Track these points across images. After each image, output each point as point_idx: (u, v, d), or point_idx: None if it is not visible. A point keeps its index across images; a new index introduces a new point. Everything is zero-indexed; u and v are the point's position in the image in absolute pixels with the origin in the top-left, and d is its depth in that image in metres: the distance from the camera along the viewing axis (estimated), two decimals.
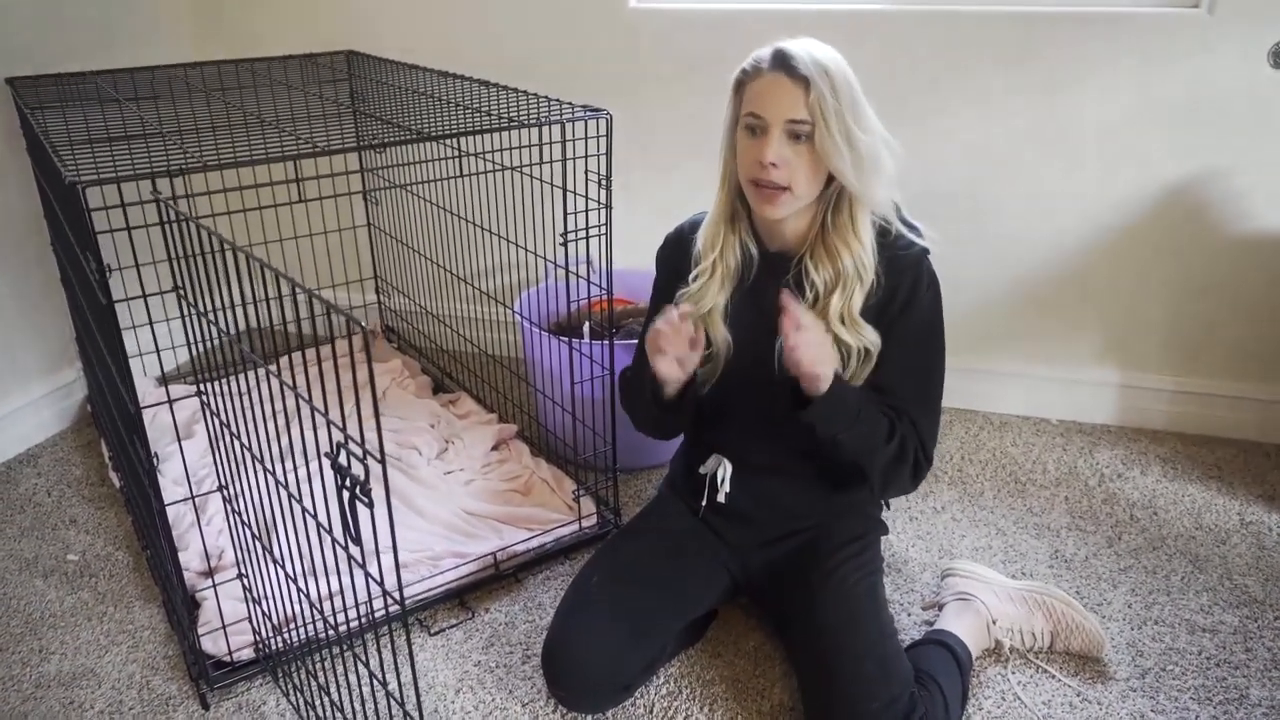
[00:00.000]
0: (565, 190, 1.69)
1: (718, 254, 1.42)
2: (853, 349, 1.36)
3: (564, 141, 1.66)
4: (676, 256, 1.52)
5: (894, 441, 1.37)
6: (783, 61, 1.27)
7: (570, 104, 1.72)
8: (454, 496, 1.97)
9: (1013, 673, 1.54)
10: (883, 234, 1.37)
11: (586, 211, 1.68)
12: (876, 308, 1.37)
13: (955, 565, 1.66)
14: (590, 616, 1.42)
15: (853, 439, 1.35)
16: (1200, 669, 1.55)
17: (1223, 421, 2.25)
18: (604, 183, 1.66)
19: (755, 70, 1.30)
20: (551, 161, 1.73)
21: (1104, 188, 2.14)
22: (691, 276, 1.45)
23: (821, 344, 1.29)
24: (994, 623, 1.56)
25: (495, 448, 2.17)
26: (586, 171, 1.66)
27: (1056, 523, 1.94)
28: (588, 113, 1.66)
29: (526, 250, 2.02)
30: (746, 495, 1.52)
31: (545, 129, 1.67)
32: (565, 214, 1.69)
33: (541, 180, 1.83)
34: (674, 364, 1.36)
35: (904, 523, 1.94)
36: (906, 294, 1.36)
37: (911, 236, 1.38)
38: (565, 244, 1.70)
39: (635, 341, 1.63)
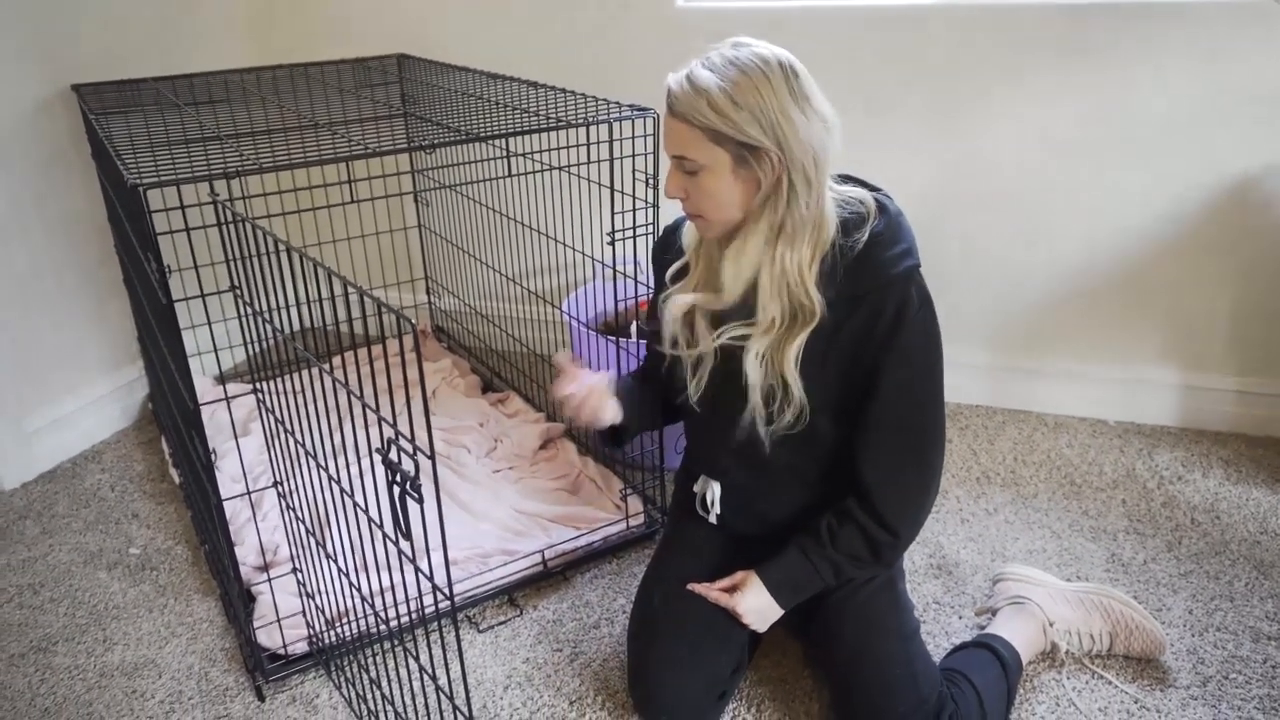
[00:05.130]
0: (612, 190, 1.69)
1: (699, 250, 1.35)
2: (756, 386, 1.28)
3: (610, 141, 1.67)
4: (662, 249, 1.46)
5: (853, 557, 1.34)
6: (667, 96, 1.20)
7: (617, 103, 1.72)
8: (502, 495, 1.98)
9: (1068, 678, 1.51)
10: (870, 247, 1.22)
11: (634, 211, 1.68)
12: (858, 334, 1.24)
13: (1007, 570, 1.63)
14: (670, 639, 1.40)
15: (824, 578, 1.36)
16: (1265, 678, 1.50)
17: None
18: (650, 182, 1.66)
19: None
20: (599, 161, 1.73)
21: (1166, 182, 2.09)
22: (669, 275, 1.39)
23: (757, 611, 1.37)
24: (1050, 625, 1.53)
25: (543, 446, 2.18)
26: (634, 171, 1.67)
27: (1114, 526, 1.89)
28: (634, 112, 1.66)
29: (574, 250, 2.03)
30: (738, 511, 1.48)
31: (592, 129, 1.68)
32: (612, 213, 1.69)
33: (589, 180, 1.84)
34: (592, 413, 1.42)
35: (955, 525, 1.91)
36: (894, 317, 1.22)
37: (894, 250, 1.23)
38: (612, 243, 1.70)
39: None
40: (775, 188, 1.19)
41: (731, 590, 1.39)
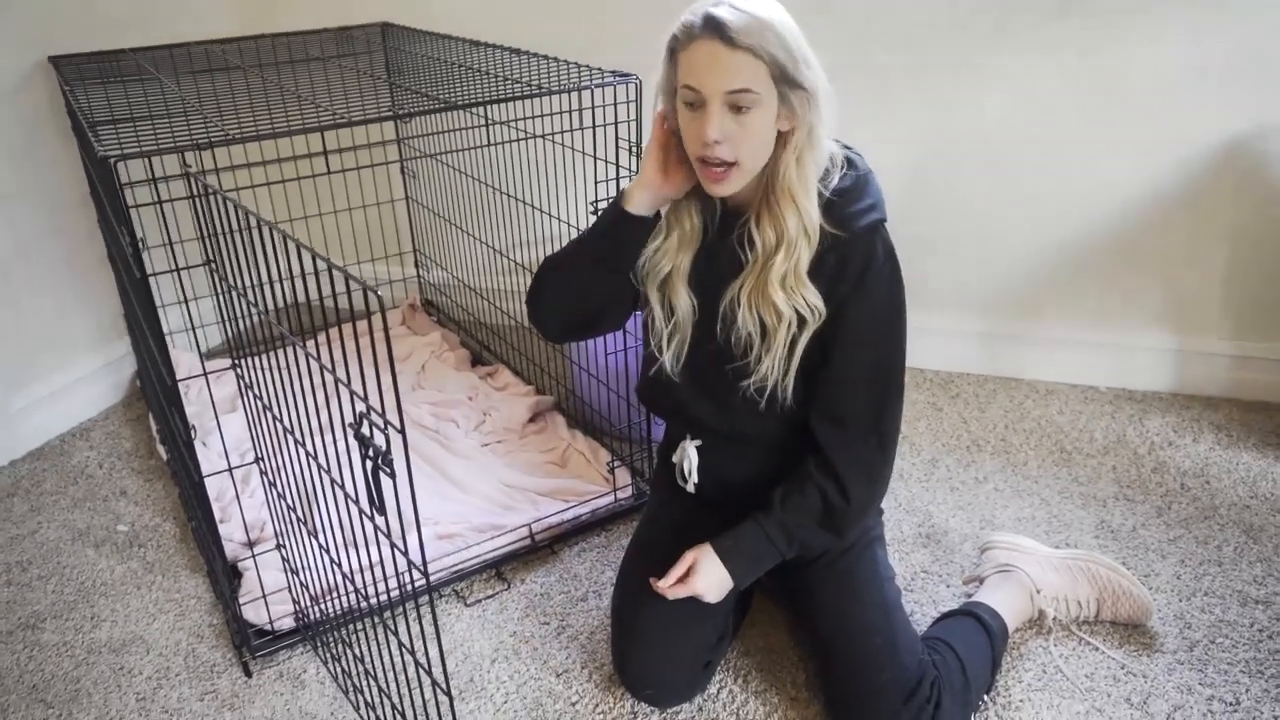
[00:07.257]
0: (595, 158, 1.67)
1: (673, 217, 1.33)
2: (784, 316, 1.24)
3: (593, 108, 1.64)
4: None
5: (818, 514, 1.32)
6: (717, 28, 1.12)
7: (599, 69, 1.69)
8: (491, 468, 1.98)
9: (1055, 645, 1.51)
10: (829, 204, 1.23)
11: (617, 179, 1.66)
12: (824, 285, 1.24)
13: (994, 538, 1.62)
14: (651, 612, 1.39)
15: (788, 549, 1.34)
16: (1252, 641, 1.50)
17: None
18: (634, 149, 1.64)
19: (687, 36, 1.16)
20: (583, 128, 1.71)
21: (1156, 142, 2.06)
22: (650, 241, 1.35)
23: (707, 586, 1.32)
24: (1038, 592, 1.52)
25: (532, 419, 2.17)
26: (617, 139, 1.64)
27: (1103, 492, 1.89)
28: (616, 78, 1.63)
29: (560, 220, 2.00)
30: (715, 481, 1.46)
31: (576, 95, 1.65)
32: (595, 182, 1.67)
33: (572, 149, 1.81)
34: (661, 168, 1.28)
35: (944, 493, 1.91)
36: (859, 268, 1.23)
37: (862, 203, 1.24)
38: (595, 212, 1.68)
39: None
40: (809, 132, 1.18)
41: (686, 576, 1.34)
